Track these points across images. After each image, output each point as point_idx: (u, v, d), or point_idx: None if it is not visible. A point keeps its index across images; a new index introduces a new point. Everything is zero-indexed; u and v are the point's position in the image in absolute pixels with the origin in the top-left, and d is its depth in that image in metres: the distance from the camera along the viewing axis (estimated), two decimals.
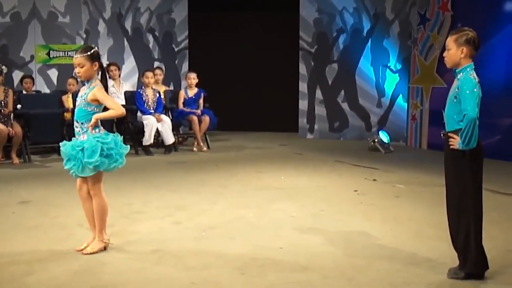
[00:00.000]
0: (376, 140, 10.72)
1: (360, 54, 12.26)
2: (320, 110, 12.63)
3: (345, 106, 12.49)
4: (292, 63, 12.81)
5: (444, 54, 4.22)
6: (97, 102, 4.68)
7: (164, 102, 10.75)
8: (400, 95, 12.07)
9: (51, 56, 12.08)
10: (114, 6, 12.57)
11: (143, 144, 10.19)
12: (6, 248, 4.89)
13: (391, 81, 12.17)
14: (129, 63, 12.67)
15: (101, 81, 4.78)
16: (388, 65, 12.15)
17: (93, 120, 4.65)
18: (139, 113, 10.42)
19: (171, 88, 12.38)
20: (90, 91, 4.67)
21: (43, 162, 9.38)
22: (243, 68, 13.47)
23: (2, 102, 9.15)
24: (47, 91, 11.78)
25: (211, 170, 8.72)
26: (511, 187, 7.29)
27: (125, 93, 10.82)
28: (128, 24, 12.72)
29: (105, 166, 4.66)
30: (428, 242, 5.06)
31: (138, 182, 7.70)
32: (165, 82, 11.98)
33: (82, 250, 4.77)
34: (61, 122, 9.86)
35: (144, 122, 10.19)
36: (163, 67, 12.15)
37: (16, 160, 9.15)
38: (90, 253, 4.72)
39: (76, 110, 4.78)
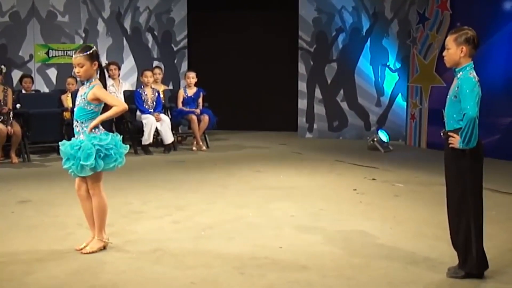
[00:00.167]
0: (375, 139, 10.72)
1: (359, 53, 12.26)
2: (319, 110, 12.63)
3: (344, 105, 12.49)
4: (291, 63, 12.81)
5: (444, 53, 4.22)
6: (97, 101, 4.68)
7: (163, 101, 10.75)
8: (399, 94, 12.08)
9: (50, 56, 12.07)
10: (113, 6, 12.56)
11: (142, 143, 10.19)
12: (6, 248, 4.89)
13: (390, 80, 12.17)
14: (128, 63, 12.66)
15: (100, 80, 4.77)
16: (387, 64, 12.15)
17: (96, 122, 4.65)
18: (138, 113, 10.42)
19: (170, 87, 12.38)
20: (90, 90, 4.67)
21: (42, 161, 9.37)
22: (242, 68, 13.46)
23: (2, 102, 9.15)
24: (46, 90, 11.77)
25: (210, 169, 8.72)
26: (511, 186, 7.29)
27: (124, 92, 10.83)
28: (127, 24, 12.71)
29: (102, 167, 4.66)
30: (427, 241, 5.07)
31: (137, 181, 7.70)
32: (164, 81, 11.98)
33: (81, 249, 4.77)
34: (60, 122, 9.87)
35: (143, 121, 10.19)
36: (162, 67, 12.14)
37: (15, 159, 9.15)
38: (90, 253, 4.72)
39: (76, 109, 4.78)
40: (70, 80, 10.51)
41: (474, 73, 4.08)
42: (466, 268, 4.14)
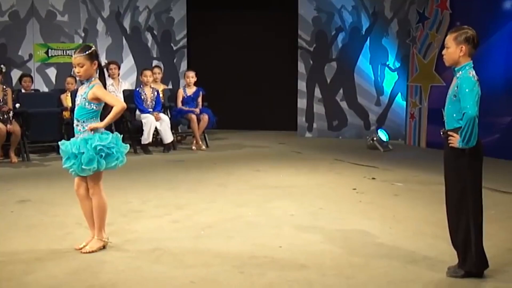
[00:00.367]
0: (375, 138, 10.72)
1: (358, 53, 12.26)
2: (319, 109, 12.63)
3: (343, 104, 12.49)
4: (291, 62, 12.81)
5: (443, 53, 4.21)
6: (97, 100, 4.69)
7: (162, 100, 10.75)
8: (399, 94, 12.08)
9: (49, 55, 12.07)
10: (113, 5, 12.56)
11: (142, 143, 10.19)
12: (5, 247, 4.88)
13: (390, 80, 12.17)
14: (128, 62, 12.66)
15: (100, 79, 4.77)
16: (387, 63, 12.16)
17: (100, 126, 4.64)
18: (137, 112, 10.42)
19: (170, 86, 12.38)
20: (90, 90, 4.67)
21: (41, 161, 9.37)
22: (241, 67, 13.46)
23: (1, 101, 9.15)
24: (46, 90, 11.77)
25: (209, 168, 8.72)
26: (510, 186, 7.29)
27: (124, 91, 10.82)
28: (126, 23, 12.71)
29: (104, 166, 4.66)
30: (427, 240, 5.07)
31: (136, 181, 7.69)
32: (164, 80, 11.99)
33: (81, 249, 4.77)
34: (59, 121, 9.86)
35: (143, 120, 10.19)
36: (162, 66, 12.14)
37: (14, 159, 9.15)
38: (89, 252, 4.72)
39: (76, 108, 4.78)
40: (69, 79, 10.51)
41: (474, 72, 4.08)
42: (466, 267, 4.14)
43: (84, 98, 4.69)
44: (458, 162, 4.09)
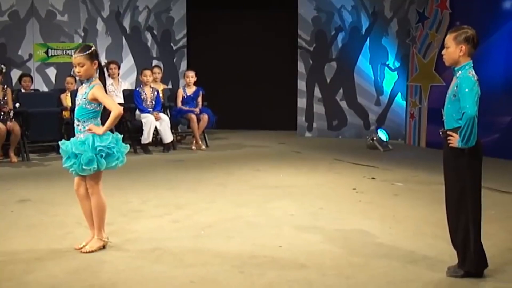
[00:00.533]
0: (374, 138, 10.73)
1: (358, 52, 12.27)
2: (319, 108, 12.64)
3: (343, 104, 12.50)
4: (291, 61, 12.82)
5: (443, 52, 4.21)
6: (97, 101, 4.69)
7: (162, 100, 10.75)
8: (399, 93, 12.09)
9: (49, 55, 12.08)
10: (113, 5, 12.56)
11: (142, 142, 10.19)
12: (5, 247, 4.88)
13: (390, 79, 12.18)
14: (128, 62, 12.67)
15: (100, 79, 4.77)
16: (387, 63, 12.16)
17: (96, 132, 4.64)
18: (137, 112, 10.42)
19: (170, 86, 12.39)
20: (90, 90, 4.67)
21: (41, 160, 9.37)
22: (241, 67, 13.47)
23: (1, 101, 9.15)
24: (46, 89, 11.78)
25: (209, 168, 8.72)
26: (510, 186, 7.29)
27: (124, 91, 10.82)
28: (126, 23, 12.71)
29: (104, 166, 4.66)
30: (426, 240, 5.07)
31: (136, 180, 7.69)
32: (164, 80, 11.99)
33: (81, 248, 4.76)
34: (59, 121, 9.87)
35: (143, 120, 10.19)
36: (162, 66, 12.15)
37: (14, 158, 9.15)
38: (89, 252, 4.71)
39: (76, 108, 4.78)
40: (69, 79, 10.52)
41: (473, 72, 4.08)
42: (465, 267, 4.14)
43: (84, 98, 4.69)
44: (457, 162, 4.09)
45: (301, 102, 12.71)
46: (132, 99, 10.40)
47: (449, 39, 4.14)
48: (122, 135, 4.92)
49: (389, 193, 7.03)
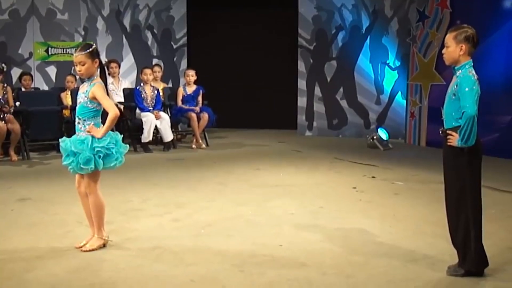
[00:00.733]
0: (375, 137, 10.73)
1: (359, 51, 12.27)
2: (319, 107, 12.64)
3: (343, 103, 12.50)
4: (291, 60, 12.82)
5: (443, 51, 4.21)
6: (97, 99, 4.68)
7: (162, 99, 10.75)
8: (399, 92, 12.09)
9: (49, 53, 12.08)
10: (113, 3, 12.56)
11: (142, 141, 10.20)
12: (5, 245, 4.89)
13: (390, 78, 12.18)
14: (128, 60, 12.67)
15: (101, 77, 4.77)
16: (387, 62, 12.16)
17: (95, 135, 4.63)
18: (137, 111, 10.42)
19: (170, 85, 12.39)
20: (91, 89, 4.67)
21: (41, 159, 9.37)
22: (241, 66, 13.47)
23: (2, 100, 9.15)
24: (46, 88, 11.79)
25: (209, 167, 8.72)
26: (510, 185, 7.29)
27: (124, 90, 10.82)
28: (126, 21, 12.71)
29: (102, 166, 4.66)
30: (426, 239, 5.07)
31: (136, 179, 7.70)
32: (164, 79, 11.99)
33: (81, 247, 4.77)
34: (59, 119, 9.87)
35: (143, 119, 10.19)
36: (162, 64, 12.14)
37: (14, 157, 9.15)
38: (89, 250, 4.72)
39: (77, 107, 4.78)
40: (69, 78, 10.53)
41: (473, 71, 4.08)
42: (466, 266, 4.14)
43: (85, 96, 4.69)
44: (457, 161, 4.09)
45: (301, 101, 12.71)
46: (132, 97, 10.41)
47: (449, 38, 4.14)
48: (122, 135, 4.92)
49: (389, 192, 7.03)
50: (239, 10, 13.23)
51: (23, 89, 10.38)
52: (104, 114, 4.77)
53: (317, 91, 12.60)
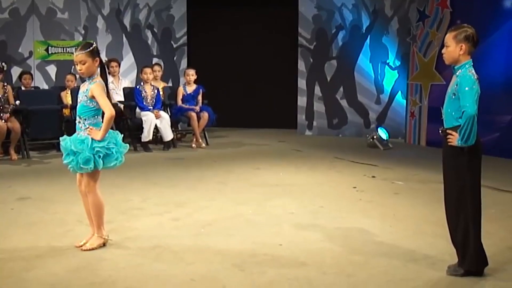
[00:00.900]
0: (375, 136, 10.73)
1: (359, 51, 12.26)
2: (319, 107, 12.64)
3: (344, 102, 12.49)
4: (291, 60, 12.81)
5: (443, 51, 4.21)
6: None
7: (162, 98, 10.74)
8: (399, 92, 12.08)
9: (49, 52, 12.08)
10: (113, 2, 12.56)
11: (142, 140, 10.19)
12: (5, 244, 4.89)
13: (390, 78, 12.17)
14: (128, 60, 12.66)
15: (101, 76, 4.77)
16: (387, 61, 12.15)
17: (94, 137, 4.63)
18: (137, 110, 10.42)
19: (170, 84, 12.38)
20: (90, 87, 4.67)
21: (41, 158, 9.37)
22: (241, 65, 13.46)
23: (2, 99, 9.15)
24: (46, 87, 11.78)
25: (209, 166, 8.72)
26: (510, 184, 7.29)
27: (124, 89, 10.82)
28: (127, 21, 12.71)
29: (102, 166, 4.66)
30: (427, 239, 5.07)
31: (136, 178, 7.70)
32: (164, 78, 11.98)
33: (81, 246, 4.77)
34: (59, 118, 9.87)
35: (143, 118, 10.19)
36: (162, 64, 12.15)
37: (14, 156, 9.15)
38: (89, 249, 4.72)
39: (78, 106, 4.78)
40: (69, 77, 10.53)
41: (473, 71, 4.08)
42: (465, 265, 4.14)
43: (85, 95, 4.69)
44: (457, 160, 4.09)
45: (301, 101, 12.71)
46: (132, 97, 10.40)
47: (449, 38, 4.14)
48: (122, 134, 4.92)
49: (389, 191, 7.03)
50: (239, 9, 13.22)
51: (23, 88, 10.38)
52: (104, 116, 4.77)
53: (317, 90, 12.59)
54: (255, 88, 13.50)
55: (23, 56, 11.95)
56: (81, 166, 4.62)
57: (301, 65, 12.64)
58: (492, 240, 4.83)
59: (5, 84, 9.45)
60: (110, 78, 10.48)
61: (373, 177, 7.91)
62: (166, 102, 10.87)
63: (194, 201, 6.47)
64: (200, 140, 10.70)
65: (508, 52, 9.37)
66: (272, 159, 9.43)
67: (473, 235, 4.09)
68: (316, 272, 4.30)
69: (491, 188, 6.84)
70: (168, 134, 10.34)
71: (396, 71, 12.10)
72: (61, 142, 4.79)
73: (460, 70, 4.10)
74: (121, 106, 10.49)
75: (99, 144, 4.63)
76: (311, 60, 12.58)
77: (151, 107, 10.33)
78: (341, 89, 12.48)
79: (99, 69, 4.76)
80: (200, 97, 10.98)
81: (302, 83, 12.67)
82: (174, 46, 13.11)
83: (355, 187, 7.22)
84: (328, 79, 12.51)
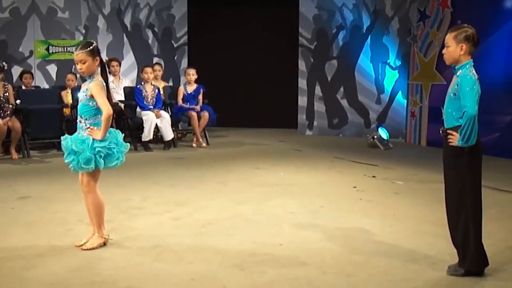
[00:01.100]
0: (375, 136, 10.73)
1: (359, 51, 12.26)
2: (319, 107, 12.63)
3: (344, 102, 12.49)
4: (292, 60, 12.80)
5: (444, 51, 4.21)
6: None
7: (163, 98, 10.74)
8: (400, 92, 12.08)
9: (50, 52, 12.08)
10: (114, 2, 12.56)
11: (142, 140, 10.19)
12: (5, 243, 4.89)
13: (391, 78, 12.17)
14: (129, 59, 12.67)
15: (102, 75, 4.77)
16: (388, 61, 12.15)
17: (95, 138, 4.63)
18: (138, 109, 10.42)
19: (170, 84, 12.37)
20: (90, 86, 4.67)
21: (42, 157, 9.38)
22: (242, 64, 13.46)
23: (2, 98, 9.15)
24: (46, 86, 11.78)
25: (210, 166, 8.72)
26: (510, 184, 7.29)
27: (125, 88, 10.83)
28: (127, 20, 12.71)
29: (103, 165, 4.66)
30: (427, 239, 5.07)
31: (137, 178, 7.70)
32: (164, 78, 11.98)
33: (81, 245, 4.77)
34: (60, 118, 9.88)
35: (143, 118, 10.19)
36: (162, 63, 12.15)
37: (15, 155, 9.16)
38: (90, 249, 4.72)
39: (79, 105, 4.78)
40: (70, 76, 10.53)
41: (474, 71, 4.08)
42: (466, 265, 4.14)
43: (85, 95, 4.69)
44: (457, 160, 4.09)
45: (302, 100, 12.71)
46: (133, 96, 10.41)
47: (449, 38, 4.14)
48: (123, 134, 4.92)
49: (389, 191, 7.03)
50: (240, 9, 13.22)
51: (23, 87, 10.38)
52: None
53: (318, 90, 12.59)
54: (255, 88, 13.50)
55: (23, 56, 11.95)
56: (82, 166, 4.62)
57: (302, 65, 12.64)
58: (492, 240, 4.83)
59: (6, 83, 9.45)
60: (110, 78, 10.48)
61: (374, 177, 7.91)
62: (166, 101, 10.87)
63: (194, 201, 6.47)
64: (201, 140, 10.70)
65: (508, 52, 9.37)
66: (272, 159, 9.43)
67: (473, 235, 4.09)
68: (316, 272, 4.30)
69: (491, 188, 6.84)
70: (168, 134, 10.34)
71: (396, 71, 12.10)
72: (62, 141, 4.79)
73: (460, 70, 4.10)
74: (122, 105, 10.49)
75: (100, 144, 4.63)
76: (312, 60, 12.57)
77: (152, 107, 10.33)
78: (342, 89, 12.48)
79: (99, 68, 4.76)
80: (200, 97, 10.98)
81: (302, 83, 12.67)
82: (175, 45, 13.12)
83: (355, 187, 7.22)
84: (329, 79, 12.51)
